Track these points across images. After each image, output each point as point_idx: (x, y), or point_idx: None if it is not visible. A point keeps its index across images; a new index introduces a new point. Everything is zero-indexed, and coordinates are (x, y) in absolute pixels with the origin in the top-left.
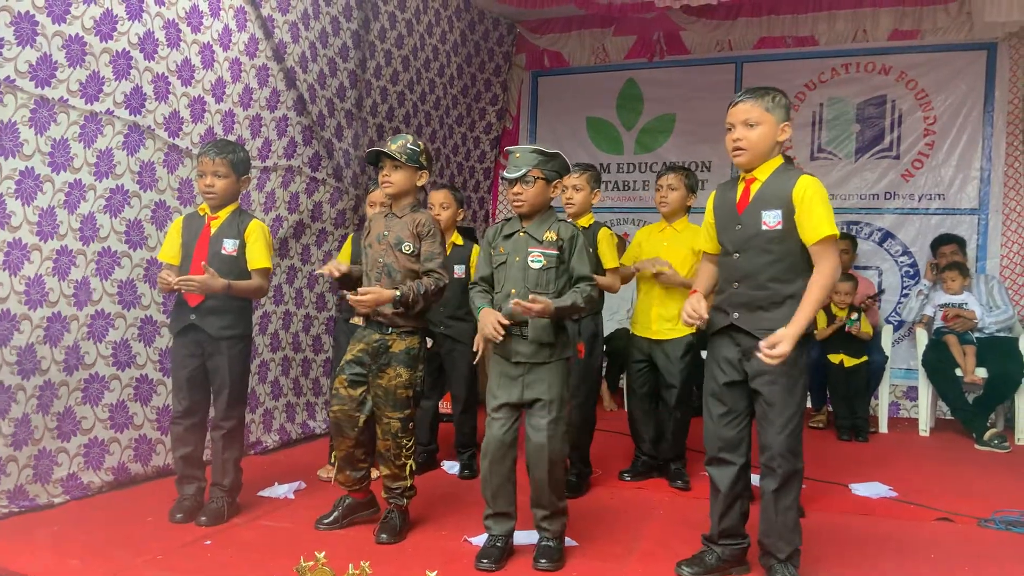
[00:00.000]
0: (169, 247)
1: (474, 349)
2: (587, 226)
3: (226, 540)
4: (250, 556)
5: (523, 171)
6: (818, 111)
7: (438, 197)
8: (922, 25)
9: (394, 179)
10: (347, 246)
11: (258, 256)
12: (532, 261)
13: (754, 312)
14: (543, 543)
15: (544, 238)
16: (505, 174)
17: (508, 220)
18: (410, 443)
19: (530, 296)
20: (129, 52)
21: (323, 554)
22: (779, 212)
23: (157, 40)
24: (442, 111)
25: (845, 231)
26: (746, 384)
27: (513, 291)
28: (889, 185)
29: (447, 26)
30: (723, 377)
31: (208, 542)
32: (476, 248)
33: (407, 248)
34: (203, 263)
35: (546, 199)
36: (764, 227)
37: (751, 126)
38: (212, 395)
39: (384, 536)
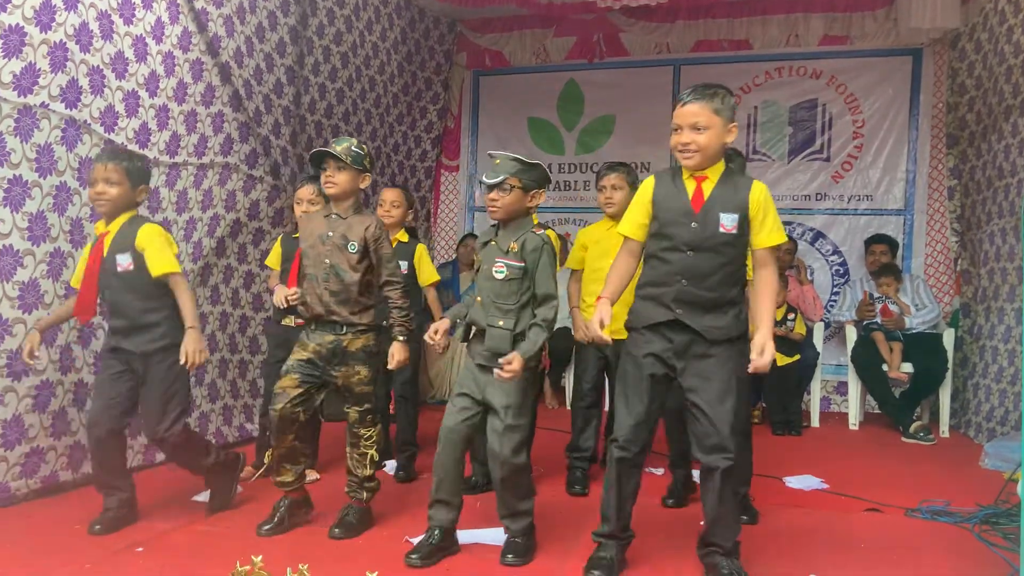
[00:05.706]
0: (79, 272)
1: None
2: None
3: (158, 547)
4: (184, 562)
5: (501, 178)
6: (753, 113)
7: (390, 195)
8: (851, 31)
9: (338, 180)
10: (276, 248)
11: (160, 260)
12: (496, 272)
13: (697, 311)
14: (510, 539)
15: (509, 248)
16: (484, 179)
17: (494, 226)
18: (369, 433)
19: (502, 361)
20: (65, 43)
21: (260, 558)
22: (736, 216)
23: (92, 31)
24: (383, 109)
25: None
26: (670, 380)
27: (479, 300)
28: (820, 186)
29: (387, 23)
30: (649, 368)
31: (140, 549)
32: (420, 246)
33: (353, 248)
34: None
35: (522, 208)
36: (722, 230)
37: (699, 130)
38: (154, 412)
39: (338, 531)
